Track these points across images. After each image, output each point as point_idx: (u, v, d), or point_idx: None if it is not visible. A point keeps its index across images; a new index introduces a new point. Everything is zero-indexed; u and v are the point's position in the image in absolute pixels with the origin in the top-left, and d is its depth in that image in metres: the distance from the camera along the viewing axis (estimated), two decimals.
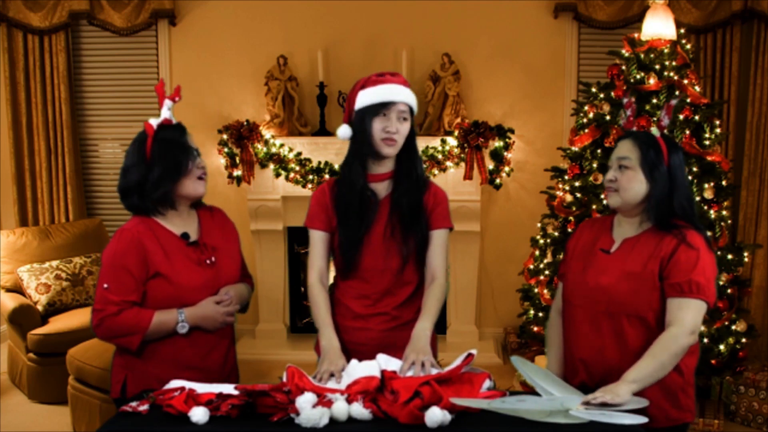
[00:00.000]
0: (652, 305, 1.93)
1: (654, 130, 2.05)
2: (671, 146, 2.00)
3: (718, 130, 3.89)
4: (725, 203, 3.85)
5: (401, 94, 2.12)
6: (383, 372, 1.89)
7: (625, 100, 2.22)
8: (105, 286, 2.00)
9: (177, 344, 2.07)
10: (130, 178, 2.07)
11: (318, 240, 2.20)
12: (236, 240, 2.26)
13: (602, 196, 3.63)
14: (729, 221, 3.91)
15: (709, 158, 3.76)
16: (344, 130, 2.18)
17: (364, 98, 2.12)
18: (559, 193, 4.02)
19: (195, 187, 2.11)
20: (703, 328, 3.62)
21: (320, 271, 2.20)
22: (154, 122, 2.09)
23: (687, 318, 1.87)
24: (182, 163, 2.06)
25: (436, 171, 4.57)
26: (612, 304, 1.95)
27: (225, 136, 4.63)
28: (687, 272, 1.89)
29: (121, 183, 2.10)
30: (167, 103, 2.12)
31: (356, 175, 2.15)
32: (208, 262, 2.12)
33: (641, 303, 1.93)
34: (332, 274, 2.31)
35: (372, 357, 1.98)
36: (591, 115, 3.91)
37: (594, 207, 3.72)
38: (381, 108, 2.09)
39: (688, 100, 3.80)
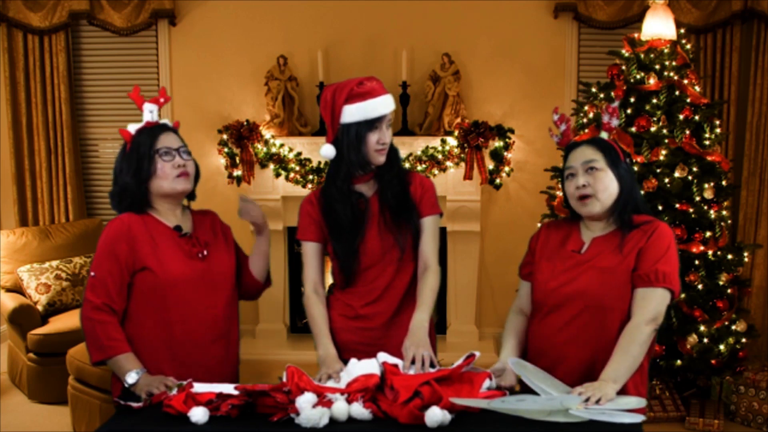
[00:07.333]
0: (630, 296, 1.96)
1: (603, 134, 2.09)
2: (618, 147, 2.07)
3: (718, 130, 3.89)
4: (725, 203, 3.85)
5: (390, 105, 2.14)
6: (384, 364, 1.89)
7: (556, 117, 2.17)
8: (92, 273, 2.05)
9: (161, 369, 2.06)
10: (118, 184, 2.14)
11: (311, 251, 2.22)
12: (230, 237, 2.28)
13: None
14: (729, 221, 3.91)
15: (709, 158, 3.76)
16: (329, 150, 2.14)
17: (354, 114, 2.09)
18: (559, 193, 4.01)
19: (173, 186, 2.12)
20: (702, 327, 3.63)
21: (315, 283, 2.22)
22: (132, 128, 2.14)
23: (648, 307, 1.90)
24: (143, 168, 2.09)
25: (436, 171, 4.57)
26: (592, 301, 1.96)
27: (225, 136, 4.63)
28: (654, 262, 1.92)
29: (113, 189, 2.17)
30: (147, 106, 2.16)
31: (345, 189, 2.15)
32: (200, 255, 2.14)
33: (621, 297, 1.94)
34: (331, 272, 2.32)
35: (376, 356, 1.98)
36: (591, 115, 3.91)
37: None
38: (374, 122, 2.10)
39: (688, 100, 3.80)
